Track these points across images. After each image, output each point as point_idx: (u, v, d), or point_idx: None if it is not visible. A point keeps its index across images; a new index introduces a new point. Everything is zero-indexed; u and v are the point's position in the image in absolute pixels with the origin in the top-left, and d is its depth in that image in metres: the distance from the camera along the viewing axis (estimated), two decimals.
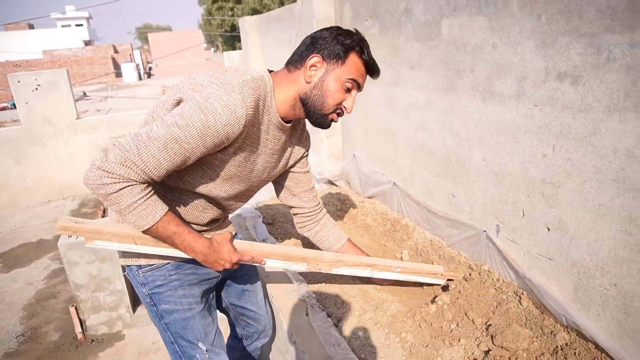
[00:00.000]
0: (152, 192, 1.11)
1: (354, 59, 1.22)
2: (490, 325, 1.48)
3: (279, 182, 1.55)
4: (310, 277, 1.86)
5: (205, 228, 1.40)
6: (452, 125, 1.84)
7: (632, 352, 1.24)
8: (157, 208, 1.12)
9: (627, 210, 1.19)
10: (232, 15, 22.88)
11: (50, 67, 23.76)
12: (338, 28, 1.25)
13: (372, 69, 1.27)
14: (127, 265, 1.35)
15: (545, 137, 1.40)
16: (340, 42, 1.20)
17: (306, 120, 1.38)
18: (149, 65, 34.77)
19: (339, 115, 1.28)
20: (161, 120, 1.08)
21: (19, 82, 4.91)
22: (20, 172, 5.14)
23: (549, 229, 1.46)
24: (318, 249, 1.71)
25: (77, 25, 42.24)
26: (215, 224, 1.44)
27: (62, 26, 41.18)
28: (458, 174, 1.86)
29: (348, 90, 1.25)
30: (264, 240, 2.18)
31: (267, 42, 4.34)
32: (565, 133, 1.33)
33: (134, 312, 2.71)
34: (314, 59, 1.20)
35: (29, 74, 4.97)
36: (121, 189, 1.04)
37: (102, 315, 2.64)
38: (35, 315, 2.94)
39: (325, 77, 1.21)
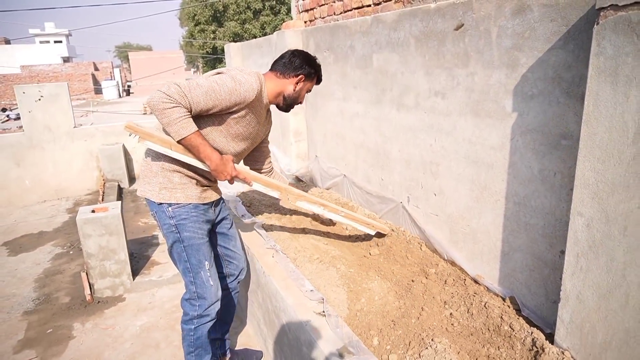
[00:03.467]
0: (190, 116, 1.72)
1: (315, 78, 2.10)
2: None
3: (251, 153, 2.22)
4: (276, 236, 2.54)
5: (209, 182, 2.02)
6: (380, 128, 2.59)
7: (478, 268, 1.96)
8: (193, 125, 1.72)
9: (471, 176, 1.93)
10: (214, 38, 23.67)
11: (28, 82, 23.95)
12: (307, 54, 2.05)
13: (320, 81, 2.16)
14: (160, 203, 1.89)
15: (431, 133, 2.15)
16: (313, 67, 2.03)
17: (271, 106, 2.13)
18: (128, 83, 35.20)
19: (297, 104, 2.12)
20: (205, 78, 1.77)
21: (24, 92, 5.48)
22: (20, 174, 5.64)
23: (435, 195, 2.20)
24: None
25: (56, 42, 42.26)
26: (214, 182, 2.08)
27: (41, 42, 41.22)
28: (384, 163, 2.60)
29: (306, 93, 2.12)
30: (242, 216, 2.85)
31: (248, 65, 5.08)
32: (440, 130, 2.08)
33: (133, 279, 3.29)
34: (301, 77, 2.00)
35: (33, 86, 5.55)
36: (174, 107, 1.66)
37: (107, 281, 3.21)
38: (47, 286, 3.48)
39: (302, 88, 2.04)
